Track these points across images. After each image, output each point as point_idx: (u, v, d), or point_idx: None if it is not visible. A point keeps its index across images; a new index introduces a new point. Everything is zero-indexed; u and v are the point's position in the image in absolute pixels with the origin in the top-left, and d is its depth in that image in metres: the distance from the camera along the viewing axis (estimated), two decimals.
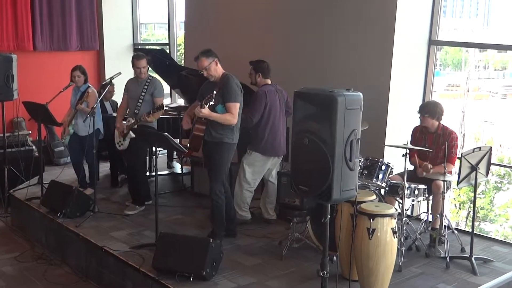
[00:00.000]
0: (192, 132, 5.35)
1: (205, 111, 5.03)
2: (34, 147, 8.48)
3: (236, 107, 5.18)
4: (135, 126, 6.03)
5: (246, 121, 5.60)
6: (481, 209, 10.27)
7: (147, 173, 7.08)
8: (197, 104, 5.20)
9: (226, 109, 5.16)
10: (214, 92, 5.02)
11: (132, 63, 6.23)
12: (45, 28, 9.39)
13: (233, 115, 5.16)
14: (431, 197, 5.40)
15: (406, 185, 5.01)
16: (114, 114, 7.12)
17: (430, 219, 5.51)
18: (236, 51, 7.33)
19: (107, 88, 6.90)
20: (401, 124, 6.39)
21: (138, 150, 6.22)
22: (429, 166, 5.35)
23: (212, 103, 5.02)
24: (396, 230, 4.41)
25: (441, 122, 5.54)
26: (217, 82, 5.23)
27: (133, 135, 6.06)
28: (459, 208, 10.60)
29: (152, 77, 6.33)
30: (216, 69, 5.23)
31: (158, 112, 6.03)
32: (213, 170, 5.34)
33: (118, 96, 7.13)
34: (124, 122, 6.28)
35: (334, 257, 4.65)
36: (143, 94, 6.15)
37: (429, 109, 5.52)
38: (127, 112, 6.43)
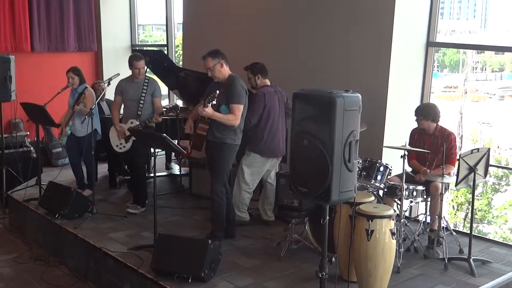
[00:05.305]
0: (195, 131, 5.36)
1: (209, 110, 5.05)
2: (32, 148, 8.48)
3: (239, 108, 5.19)
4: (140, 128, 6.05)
5: (244, 122, 5.60)
6: (479, 210, 10.28)
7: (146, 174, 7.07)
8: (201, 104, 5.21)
9: (230, 110, 5.17)
10: (217, 91, 5.04)
11: (130, 64, 6.21)
12: (43, 29, 9.37)
13: (236, 116, 5.17)
14: (429, 199, 5.41)
15: (405, 186, 5.01)
16: None
17: (428, 220, 5.51)
18: (234, 52, 7.30)
19: (104, 92, 6.89)
20: (399, 125, 6.40)
21: (141, 150, 6.21)
22: (428, 171, 5.37)
23: (214, 102, 5.04)
24: (395, 232, 4.40)
25: (439, 123, 5.55)
26: (223, 83, 5.24)
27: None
28: (457, 210, 10.61)
29: (149, 77, 6.33)
30: (221, 71, 5.24)
31: (170, 113, 5.96)
32: (214, 171, 5.35)
33: (110, 96, 7.05)
34: (124, 125, 6.26)
35: (333, 259, 4.65)
36: (143, 95, 6.17)
37: (422, 112, 5.55)
38: (121, 114, 6.43)
